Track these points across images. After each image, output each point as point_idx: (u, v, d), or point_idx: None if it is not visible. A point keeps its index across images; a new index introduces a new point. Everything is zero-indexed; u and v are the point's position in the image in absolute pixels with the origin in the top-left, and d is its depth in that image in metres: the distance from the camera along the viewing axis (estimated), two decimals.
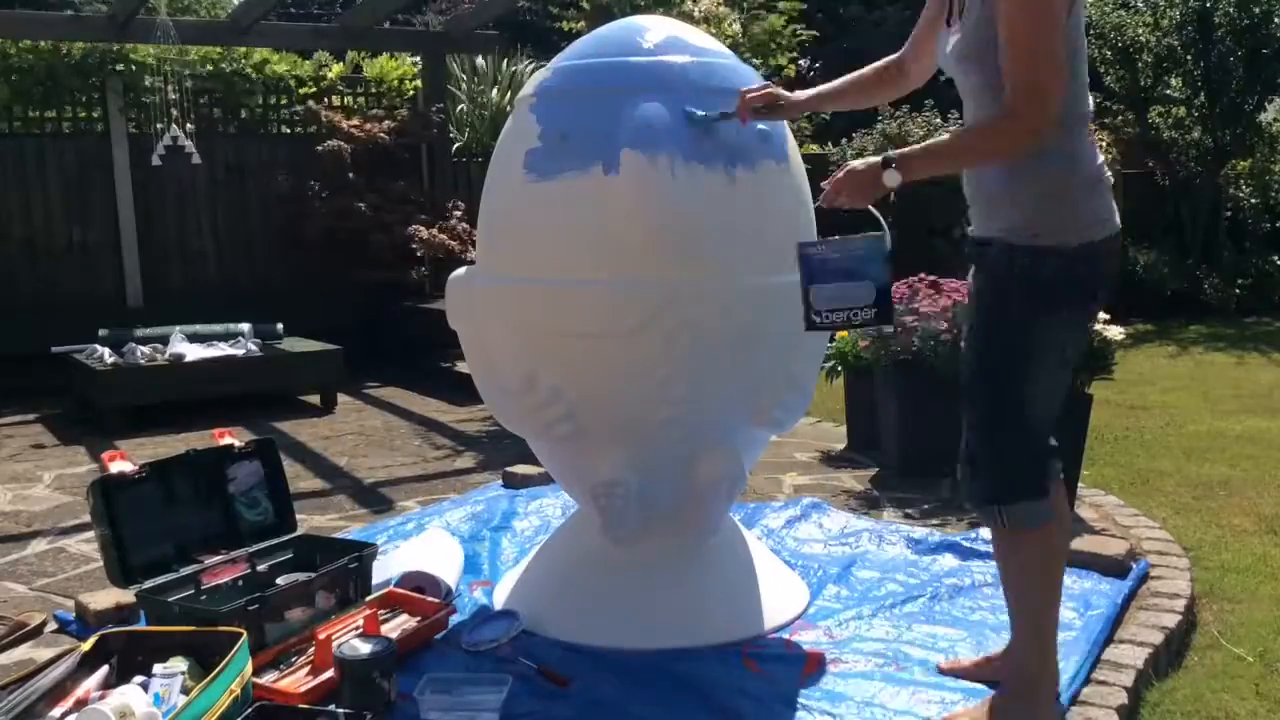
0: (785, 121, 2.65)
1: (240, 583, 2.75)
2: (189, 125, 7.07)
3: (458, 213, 7.16)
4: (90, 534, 3.28)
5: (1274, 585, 3.06)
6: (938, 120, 7.88)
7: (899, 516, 3.72)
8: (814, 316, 2.20)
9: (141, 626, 2.61)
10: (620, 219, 2.38)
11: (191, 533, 2.86)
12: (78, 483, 4.48)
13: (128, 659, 2.30)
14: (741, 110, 2.42)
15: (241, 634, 2.26)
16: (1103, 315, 3.41)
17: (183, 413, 5.72)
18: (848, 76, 2.50)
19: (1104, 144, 8.62)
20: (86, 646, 2.30)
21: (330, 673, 2.33)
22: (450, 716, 2.23)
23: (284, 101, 8.13)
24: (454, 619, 2.75)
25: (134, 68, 7.45)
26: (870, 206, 2.16)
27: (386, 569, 2.93)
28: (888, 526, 3.49)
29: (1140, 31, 9.75)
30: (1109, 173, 2.14)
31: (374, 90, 8.53)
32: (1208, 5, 9.45)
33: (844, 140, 8.53)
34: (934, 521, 3.62)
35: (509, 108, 6.83)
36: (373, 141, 7.82)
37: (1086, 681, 2.37)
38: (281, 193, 7.71)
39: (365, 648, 2.29)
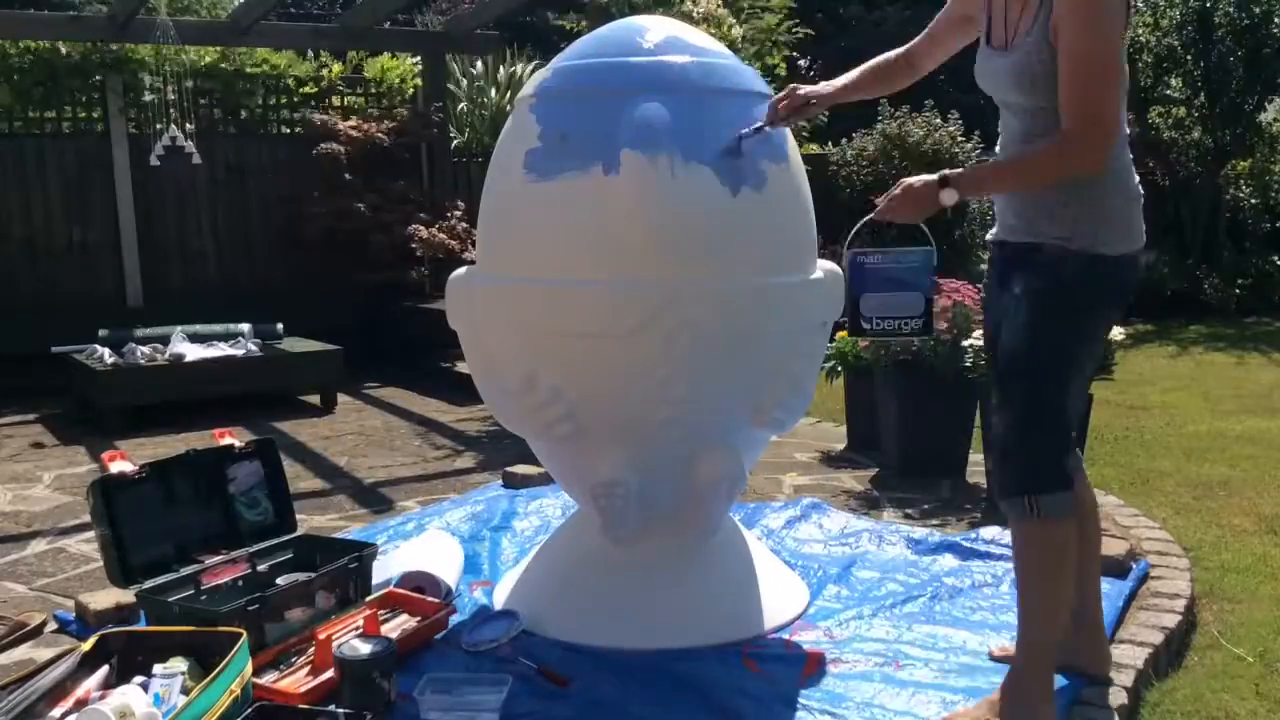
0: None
1: (240, 583, 2.75)
2: (189, 125, 7.07)
3: (457, 213, 7.16)
4: (90, 534, 3.28)
5: (1274, 585, 3.06)
6: (938, 120, 7.89)
7: (899, 516, 3.72)
8: (863, 324, 2.35)
9: (141, 626, 2.61)
10: (620, 219, 2.38)
11: (191, 533, 2.86)
12: (78, 483, 4.48)
13: (128, 659, 2.30)
14: (775, 119, 2.49)
15: (241, 634, 2.26)
16: None
17: (183, 413, 5.72)
18: (862, 67, 2.57)
19: None
20: (86, 646, 2.30)
21: (330, 673, 2.33)
22: (450, 716, 2.23)
23: (284, 101, 8.12)
24: (454, 619, 2.74)
25: (134, 68, 7.44)
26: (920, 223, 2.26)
27: (386, 569, 2.93)
28: (888, 526, 3.49)
29: (1140, 31, 9.75)
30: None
31: (374, 90, 8.53)
32: (1208, 5, 9.45)
33: (844, 140, 8.53)
34: (934, 521, 3.62)
35: (509, 108, 6.83)
36: (372, 141, 7.82)
37: (1087, 681, 2.38)
38: (281, 193, 7.71)
39: (365, 648, 2.29)
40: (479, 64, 10.31)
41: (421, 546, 3.13)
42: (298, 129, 8.05)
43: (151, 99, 7.23)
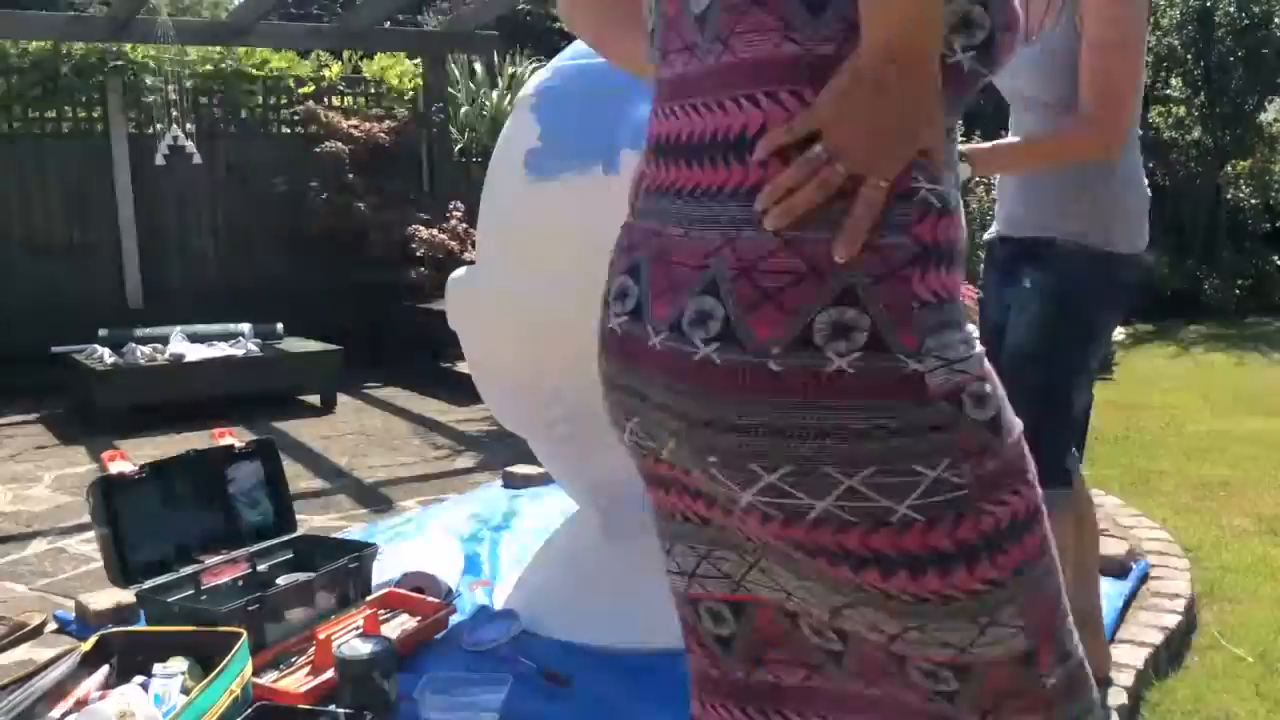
0: None
1: (240, 583, 2.76)
2: (189, 125, 7.08)
3: (457, 213, 7.16)
4: (90, 534, 3.28)
5: (1274, 585, 3.06)
6: None
7: None
8: None
9: (141, 626, 2.61)
10: (620, 219, 2.37)
11: (191, 533, 2.86)
12: (78, 483, 4.48)
13: (128, 659, 2.30)
14: None
15: (241, 634, 2.26)
16: None
17: (183, 413, 5.72)
18: None
19: None
20: (86, 646, 2.30)
21: (330, 673, 2.33)
22: (450, 716, 2.23)
23: (284, 101, 8.13)
24: (454, 619, 2.74)
25: (134, 68, 7.45)
26: None
27: (386, 569, 2.93)
28: None
29: None
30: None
31: (373, 90, 8.53)
32: (1208, 5, 9.45)
33: None
34: None
35: (509, 108, 6.83)
36: (372, 141, 7.82)
37: None
38: (281, 192, 7.71)
39: (365, 648, 2.29)
40: (479, 64, 10.31)
41: (421, 546, 3.13)
42: (298, 129, 8.05)
43: (152, 99, 7.23)
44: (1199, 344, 8.00)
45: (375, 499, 4.22)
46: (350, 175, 7.66)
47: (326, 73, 8.30)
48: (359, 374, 6.91)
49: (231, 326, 6.42)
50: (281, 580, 2.79)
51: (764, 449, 0.95)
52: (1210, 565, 3.21)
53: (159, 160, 6.93)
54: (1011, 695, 1.01)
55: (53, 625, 2.89)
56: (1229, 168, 10.12)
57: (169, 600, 2.57)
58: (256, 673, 2.33)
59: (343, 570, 2.74)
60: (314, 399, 6.31)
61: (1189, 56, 9.69)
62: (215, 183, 7.76)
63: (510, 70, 10.06)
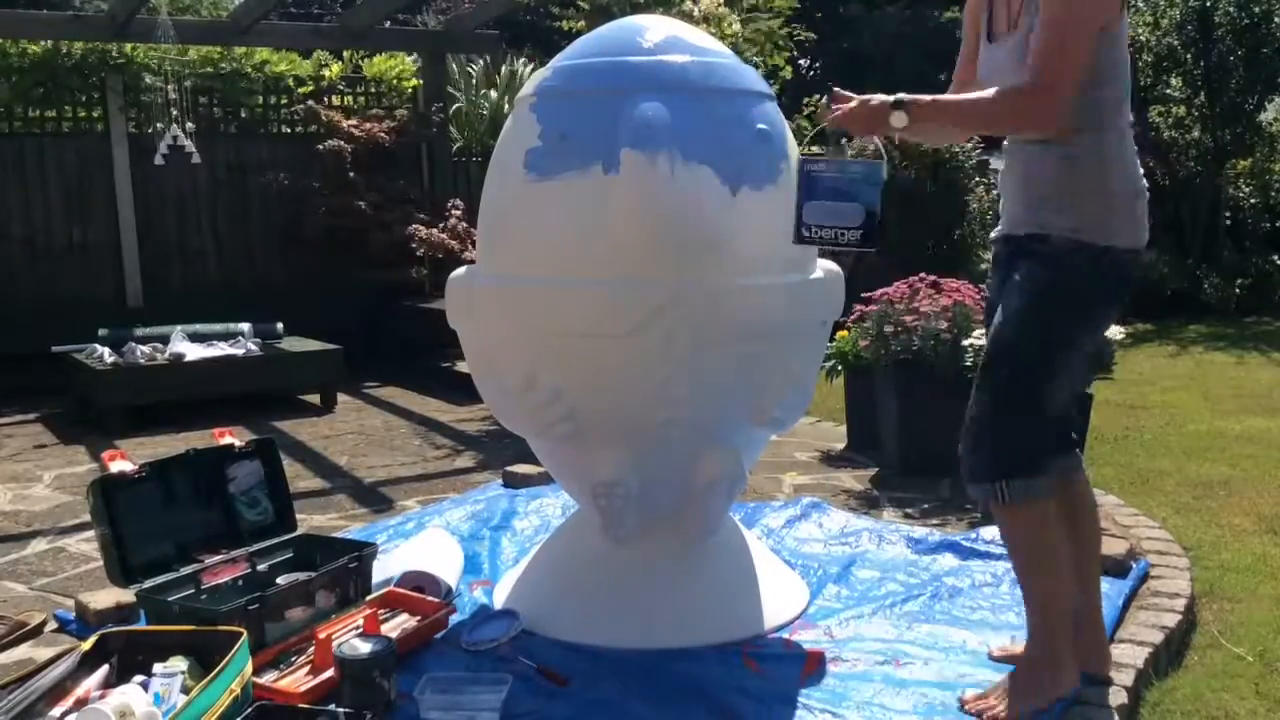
0: (784, 120, 2.69)
1: (240, 582, 2.75)
2: (189, 125, 7.07)
3: (457, 212, 7.16)
4: (90, 534, 3.28)
5: (1274, 585, 3.06)
6: None
7: (899, 516, 3.72)
8: (803, 230, 2.27)
9: (141, 626, 2.61)
10: (620, 219, 2.38)
11: (191, 532, 2.86)
12: (78, 483, 4.48)
13: (128, 659, 2.30)
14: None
15: (241, 634, 2.26)
16: None
17: (183, 413, 5.72)
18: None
19: None
20: (86, 646, 2.30)
21: (330, 673, 2.33)
22: (450, 716, 2.23)
23: (284, 101, 8.13)
24: (454, 619, 2.75)
25: (134, 68, 7.44)
26: (876, 139, 2.30)
27: (386, 569, 2.93)
28: (888, 526, 3.49)
29: (1140, 31, 9.75)
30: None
31: (373, 90, 8.54)
32: (1208, 5, 9.45)
33: (843, 140, 8.51)
34: (934, 521, 3.62)
35: (508, 108, 6.83)
36: (372, 141, 7.81)
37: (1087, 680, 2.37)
38: (282, 192, 7.71)
39: (365, 648, 2.29)
40: (478, 64, 10.31)
41: (421, 546, 3.13)
42: (298, 128, 8.05)
43: (152, 99, 7.23)
44: (1199, 343, 7.99)
45: (375, 499, 4.22)
46: (350, 175, 7.66)
47: (326, 72, 8.30)
48: (359, 374, 6.91)
49: (231, 326, 6.42)
50: (281, 580, 2.79)
51: None
52: (1210, 564, 3.21)
53: (159, 160, 6.94)
54: None
55: (53, 625, 2.89)
56: (1229, 167, 10.12)
57: (169, 600, 2.57)
58: (256, 672, 2.33)
59: (343, 570, 2.74)
60: (314, 399, 6.31)
61: (1189, 56, 9.69)
62: (215, 183, 7.76)
63: (510, 70, 10.07)
